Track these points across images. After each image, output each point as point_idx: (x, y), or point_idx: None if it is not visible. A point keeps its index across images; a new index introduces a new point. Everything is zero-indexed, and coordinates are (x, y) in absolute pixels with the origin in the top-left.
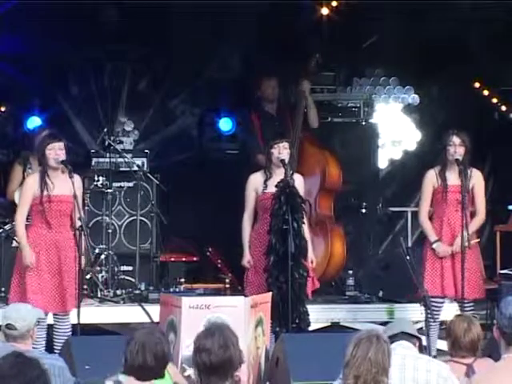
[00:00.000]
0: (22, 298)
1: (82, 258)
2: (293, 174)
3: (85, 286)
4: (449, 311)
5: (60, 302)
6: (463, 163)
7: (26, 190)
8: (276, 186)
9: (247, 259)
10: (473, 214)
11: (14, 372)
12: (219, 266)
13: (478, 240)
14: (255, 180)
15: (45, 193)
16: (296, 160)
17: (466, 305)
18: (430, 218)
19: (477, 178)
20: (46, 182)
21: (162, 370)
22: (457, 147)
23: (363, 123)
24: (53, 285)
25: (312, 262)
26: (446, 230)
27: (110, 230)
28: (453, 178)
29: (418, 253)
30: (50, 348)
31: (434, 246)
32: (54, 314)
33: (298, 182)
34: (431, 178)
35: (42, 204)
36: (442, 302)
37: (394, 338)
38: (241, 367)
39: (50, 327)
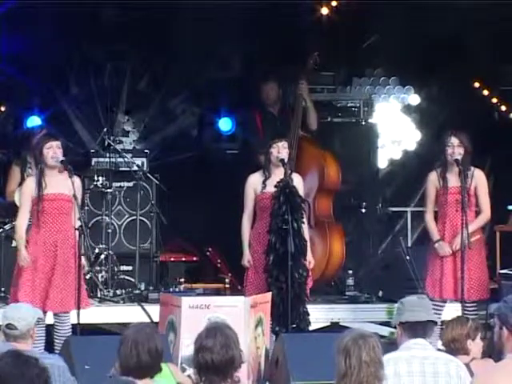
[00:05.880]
0: (18, 296)
1: (83, 258)
2: (291, 173)
3: (85, 286)
4: (450, 311)
5: (58, 301)
6: (464, 163)
7: (25, 192)
8: (275, 186)
9: (247, 259)
10: (478, 214)
11: (16, 372)
12: (219, 266)
13: (478, 237)
14: (254, 180)
15: (42, 192)
16: (294, 160)
17: (467, 305)
18: (436, 219)
19: (479, 179)
20: (43, 181)
21: (158, 366)
22: (455, 148)
23: (363, 123)
24: (47, 284)
25: (309, 263)
26: (448, 230)
27: (109, 230)
28: (453, 179)
29: (418, 252)
30: (50, 348)
31: (436, 245)
32: (55, 314)
33: (297, 181)
34: (433, 180)
35: (40, 203)
36: (442, 305)
37: (416, 326)
38: (241, 367)
39: (50, 327)
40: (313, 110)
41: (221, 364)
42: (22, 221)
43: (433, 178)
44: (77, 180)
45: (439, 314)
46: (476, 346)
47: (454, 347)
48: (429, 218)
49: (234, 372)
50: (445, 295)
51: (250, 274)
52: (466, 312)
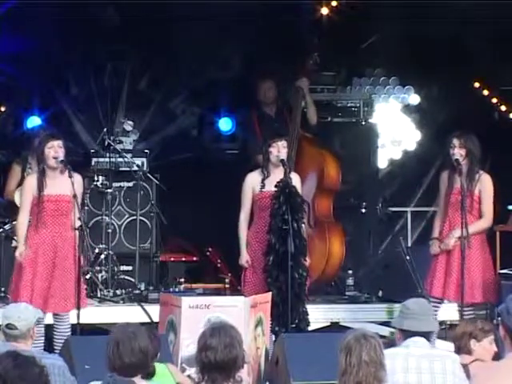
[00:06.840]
0: (18, 297)
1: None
2: (290, 172)
3: (85, 286)
4: (448, 311)
5: (57, 302)
6: (470, 165)
7: (25, 191)
8: (275, 186)
9: (245, 259)
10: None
11: (17, 373)
12: (219, 266)
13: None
14: (252, 179)
15: (43, 192)
16: (293, 160)
17: (464, 308)
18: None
19: (484, 183)
20: (44, 181)
21: (147, 364)
22: (455, 149)
23: (363, 123)
24: (47, 284)
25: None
26: (446, 230)
27: (109, 230)
28: (458, 180)
29: (418, 252)
30: (49, 348)
31: (430, 242)
32: (54, 314)
33: (295, 180)
34: (443, 181)
35: (40, 203)
36: (439, 305)
37: (416, 335)
38: (243, 368)
39: (50, 327)
40: (312, 105)
41: (224, 363)
42: (24, 218)
43: (443, 178)
44: (77, 178)
45: (435, 313)
46: (482, 347)
47: (457, 345)
48: (436, 215)
49: (236, 372)
50: (433, 293)
51: (247, 274)
52: (463, 314)
